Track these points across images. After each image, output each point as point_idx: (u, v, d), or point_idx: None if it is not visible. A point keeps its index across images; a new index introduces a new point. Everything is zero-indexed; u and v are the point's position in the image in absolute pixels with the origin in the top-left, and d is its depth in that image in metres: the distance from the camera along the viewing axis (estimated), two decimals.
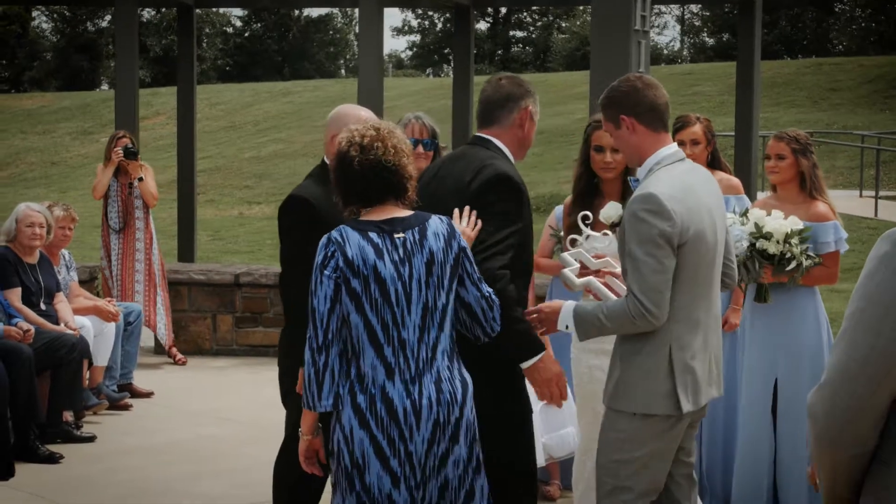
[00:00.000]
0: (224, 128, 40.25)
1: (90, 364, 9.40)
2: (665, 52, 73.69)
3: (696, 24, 73.47)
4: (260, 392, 10.13)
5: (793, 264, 6.48)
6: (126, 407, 9.88)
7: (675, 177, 4.94)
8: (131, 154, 11.21)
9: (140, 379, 10.47)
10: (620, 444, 4.96)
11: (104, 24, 65.90)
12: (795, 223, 6.55)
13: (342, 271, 4.61)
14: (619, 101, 5.07)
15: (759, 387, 6.69)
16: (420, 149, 6.29)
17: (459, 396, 4.73)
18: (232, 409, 9.88)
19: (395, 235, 4.69)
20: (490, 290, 4.89)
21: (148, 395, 10.32)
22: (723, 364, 7.17)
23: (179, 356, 11.65)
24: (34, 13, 66.99)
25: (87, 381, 9.38)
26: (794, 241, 6.49)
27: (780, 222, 6.53)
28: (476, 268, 4.85)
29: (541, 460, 7.38)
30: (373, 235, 4.67)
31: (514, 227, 5.20)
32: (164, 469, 8.16)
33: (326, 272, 4.62)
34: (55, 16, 68.36)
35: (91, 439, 8.83)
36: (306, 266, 5.27)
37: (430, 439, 4.66)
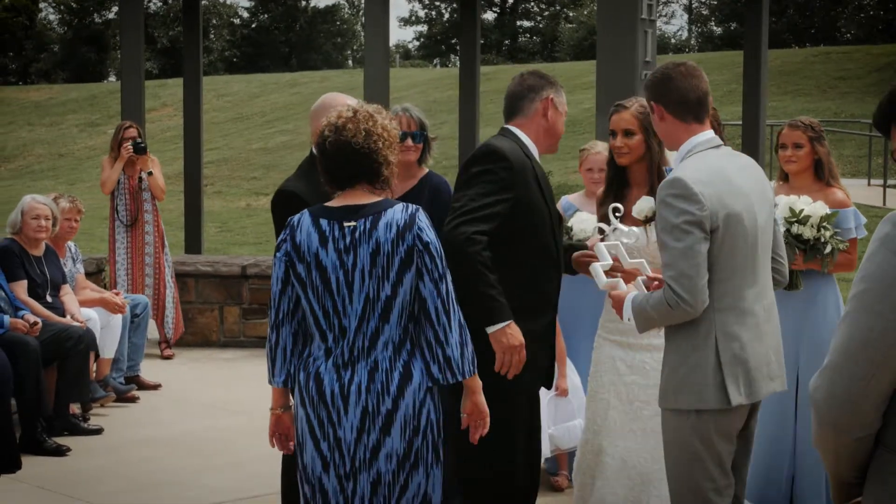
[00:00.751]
0: (231, 119, 40.27)
1: (97, 356, 9.39)
2: (673, 41, 73.59)
3: (704, 12, 73.38)
4: (267, 383, 10.10)
5: (828, 248, 6.44)
6: (133, 399, 9.88)
7: (705, 162, 4.87)
8: (141, 149, 11.20)
9: (147, 371, 10.47)
10: (684, 445, 4.81)
11: (111, 15, 65.91)
12: (825, 208, 6.51)
13: (290, 255, 4.69)
14: (651, 87, 5.04)
15: None
16: (409, 141, 6.25)
17: (394, 388, 4.67)
18: (239, 401, 9.87)
19: (345, 224, 4.67)
20: (457, 309, 4.74)
21: (155, 387, 10.32)
22: None
23: (167, 350, 11.64)
24: (41, 4, 67.09)
25: (93, 374, 9.37)
26: (826, 225, 6.46)
27: (815, 206, 6.48)
28: (440, 265, 4.69)
29: (547, 451, 7.38)
30: (323, 222, 4.69)
31: (500, 196, 5.25)
32: (171, 461, 8.16)
33: (278, 255, 4.72)
34: (62, 7, 68.37)
35: (98, 432, 8.82)
36: None
37: (359, 427, 4.66)
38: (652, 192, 5.78)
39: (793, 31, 63.97)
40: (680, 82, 4.97)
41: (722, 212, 4.72)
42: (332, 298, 4.65)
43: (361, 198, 4.73)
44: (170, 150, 32.42)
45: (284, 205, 5.80)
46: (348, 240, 4.64)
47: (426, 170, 6.36)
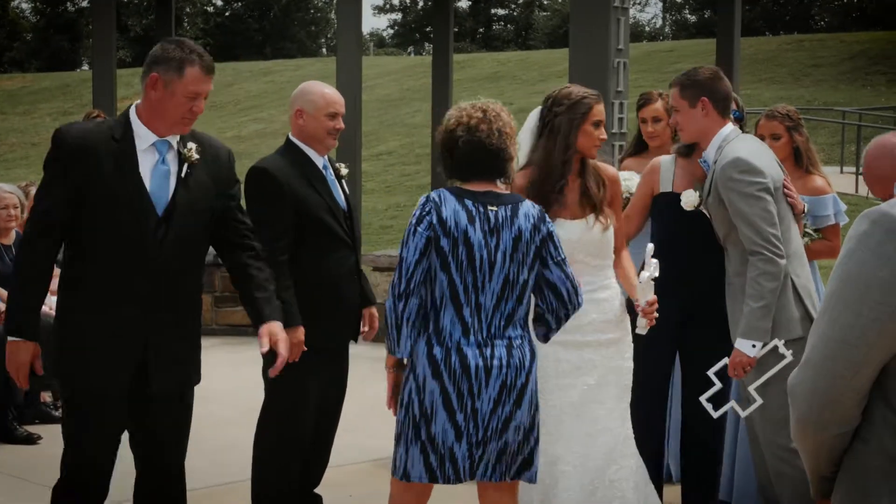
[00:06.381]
0: (205, 107, 40.05)
1: None
2: (647, 28, 73.69)
3: (678, 0, 73.43)
4: (240, 371, 10.06)
5: None
6: None
7: (746, 143, 5.85)
8: None
9: None
10: (780, 376, 5.32)
11: (84, 3, 65.56)
12: None
13: (434, 229, 4.96)
14: (702, 84, 5.88)
15: None
16: None
17: (528, 363, 5.03)
18: (212, 389, 9.75)
19: (489, 208, 5.01)
20: (571, 272, 5.15)
21: None
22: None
23: None
24: None
25: None
26: None
27: None
28: (561, 250, 5.12)
29: None
30: (468, 203, 5.01)
31: (56, 185, 5.05)
32: None
33: (420, 228, 4.97)
34: None
35: None
36: (269, 234, 5.79)
37: (496, 399, 4.95)
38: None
39: (766, 19, 64.09)
40: (725, 83, 5.93)
41: (775, 178, 5.74)
42: (473, 274, 4.97)
43: (493, 187, 5.12)
44: (231, 149, 32.31)
45: (255, 181, 6.14)
46: (492, 222, 5.00)
47: None
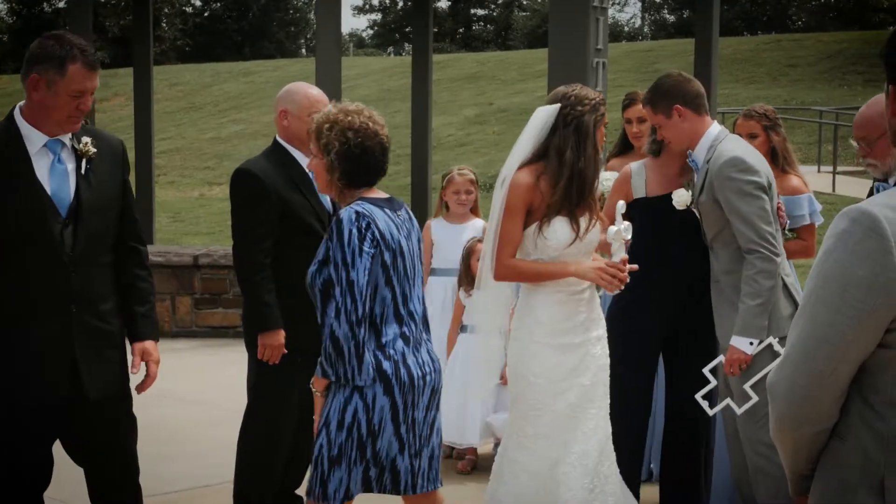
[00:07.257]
0: (184, 108, 40.00)
1: None
2: (626, 28, 73.79)
3: (657, 0, 73.54)
4: (220, 373, 10.08)
5: None
6: None
7: (737, 143, 5.91)
8: None
9: None
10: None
11: (61, 4, 65.34)
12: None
13: (379, 244, 4.72)
14: (671, 92, 5.87)
15: None
16: None
17: (440, 364, 5.05)
18: (192, 391, 9.82)
19: (398, 213, 4.87)
20: None
21: None
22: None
23: None
24: None
25: None
26: None
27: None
28: None
29: (476, 439, 7.44)
30: (387, 212, 4.81)
31: None
32: None
33: (365, 246, 4.67)
34: None
35: None
36: (255, 238, 5.81)
37: (427, 405, 4.91)
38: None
39: (744, 19, 64.24)
40: (692, 82, 5.91)
41: (768, 176, 5.79)
42: (408, 283, 4.86)
43: (380, 192, 4.92)
44: (122, 139, 32.21)
45: (240, 182, 6.07)
46: (405, 228, 4.88)
47: None
